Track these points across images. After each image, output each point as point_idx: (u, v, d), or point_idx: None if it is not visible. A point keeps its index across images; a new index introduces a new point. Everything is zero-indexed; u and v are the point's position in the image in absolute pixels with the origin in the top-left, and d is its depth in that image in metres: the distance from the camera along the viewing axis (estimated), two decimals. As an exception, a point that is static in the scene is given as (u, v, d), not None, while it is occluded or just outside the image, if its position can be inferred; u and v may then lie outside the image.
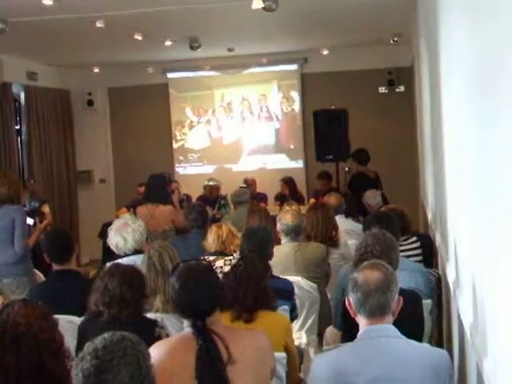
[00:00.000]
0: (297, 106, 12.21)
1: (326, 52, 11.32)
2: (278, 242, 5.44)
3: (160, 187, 7.34)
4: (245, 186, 9.90)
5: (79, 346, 3.40)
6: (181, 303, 3.01)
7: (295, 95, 12.22)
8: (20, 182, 6.99)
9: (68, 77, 12.19)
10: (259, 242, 4.70)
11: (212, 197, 9.65)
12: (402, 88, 11.71)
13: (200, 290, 2.99)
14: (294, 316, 4.49)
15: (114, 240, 5.20)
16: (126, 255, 5.14)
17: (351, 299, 3.00)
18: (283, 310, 4.21)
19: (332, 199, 7.14)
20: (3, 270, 5.87)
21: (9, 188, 6.12)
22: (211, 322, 2.96)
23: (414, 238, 5.39)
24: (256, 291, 3.74)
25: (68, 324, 4.11)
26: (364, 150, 9.56)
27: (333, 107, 10.27)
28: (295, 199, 9.54)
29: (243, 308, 3.69)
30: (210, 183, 9.94)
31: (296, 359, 3.88)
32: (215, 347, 2.89)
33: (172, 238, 6.58)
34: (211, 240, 5.34)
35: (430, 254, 5.76)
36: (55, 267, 4.86)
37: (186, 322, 3.01)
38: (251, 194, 9.51)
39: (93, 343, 2.26)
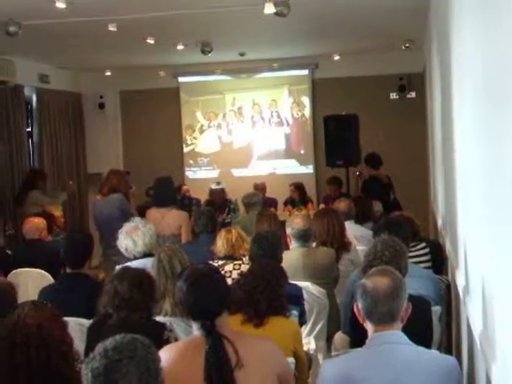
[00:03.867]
0: (307, 112, 12.21)
1: (337, 57, 11.31)
2: (287, 247, 5.44)
3: (167, 189, 7.37)
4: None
5: (88, 349, 3.41)
6: (189, 304, 3.01)
7: (306, 100, 12.23)
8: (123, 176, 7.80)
9: (80, 80, 12.24)
10: (269, 247, 4.71)
11: (218, 201, 9.61)
12: (413, 94, 11.69)
13: (207, 290, 3.00)
14: (302, 321, 4.49)
15: (124, 243, 5.22)
16: (136, 258, 5.16)
17: (360, 305, 2.99)
18: (292, 314, 4.21)
19: (342, 205, 7.12)
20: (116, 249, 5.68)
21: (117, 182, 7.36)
22: (220, 326, 2.96)
23: (423, 245, 5.38)
24: (271, 297, 3.75)
25: (77, 326, 4.13)
26: (376, 154, 9.57)
27: (343, 113, 10.27)
28: (303, 204, 9.54)
29: (255, 312, 3.70)
30: (213, 187, 9.90)
31: (305, 365, 3.88)
32: (224, 350, 2.90)
33: (177, 242, 6.58)
34: (220, 244, 5.34)
35: (439, 261, 5.74)
36: (67, 270, 4.91)
37: (194, 326, 3.01)
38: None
39: (103, 344, 2.27)
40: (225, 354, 2.89)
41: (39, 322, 2.78)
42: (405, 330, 2.98)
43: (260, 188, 10.26)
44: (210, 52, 9.51)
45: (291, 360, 3.60)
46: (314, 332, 5.04)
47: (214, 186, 9.85)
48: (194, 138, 12.56)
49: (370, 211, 7.51)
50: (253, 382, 2.93)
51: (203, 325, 2.95)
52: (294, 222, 5.51)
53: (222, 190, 9.77)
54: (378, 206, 7.99)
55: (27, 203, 9.00)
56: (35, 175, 9.55)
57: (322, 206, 9.29)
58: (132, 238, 5.18)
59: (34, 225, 6.73)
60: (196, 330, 3.00)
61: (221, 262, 5.19)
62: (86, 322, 4.10)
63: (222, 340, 2.91)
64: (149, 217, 6.99)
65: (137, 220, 5.48)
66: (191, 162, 12.61)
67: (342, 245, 5.84)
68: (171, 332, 3.61)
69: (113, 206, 7.18)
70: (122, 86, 12.45)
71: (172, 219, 6.93)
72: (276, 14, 6.79)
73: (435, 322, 4.10)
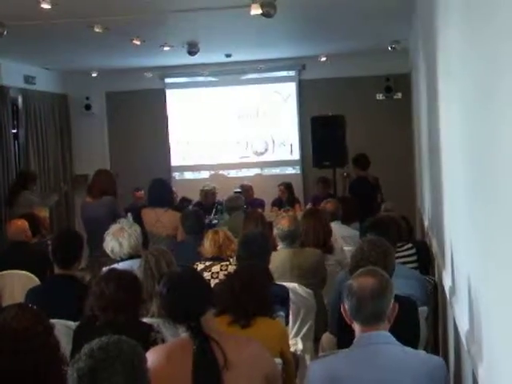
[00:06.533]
0: (294, 112, 12.21)
1: (323, 58, 11.33)
2: (275, 248, 5.44)
3: (162, 190, 7.38)
4: (239, 191, 9.88)
5: (74, 351, 3.39)
6: (171, 307, 3.03)
7: (293, 101, 12.23)
8: (112, 177, 7.79)
9: (66, 81, 12.20)
10: (257, 249, 4.71)
11: (208, 202, 9.63)
12: (399, 95, 11.73)
13: (187, 291, 3.03)
14: (286, 321, 4.49)
15: (110, 245, 5.21)
16: (122, 260, 5.15)
17: (346, 306, 3.00)
18: (279, 316, 4.21)
19: (329, 205, 7.14)
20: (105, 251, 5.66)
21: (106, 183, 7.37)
22: (205, 327, 2.96)
23: (410, 245, 5.40)
24: (258, 298, 3.75)
25: (64, 328, 4.11)
26: (364, 155, 9.58)
27: (330, 114, 10.28)
28: (291, 205, 9.54)
29: (242, 313, 3.70)
30: (205, 188, 9.93)
31: (292, 365, 3.88)
32: (211, 351, 2.90)
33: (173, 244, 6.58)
34: (208, 245, 5.33)
35: (426, 261, 5.76)
36: (56, 270, 4.89)
37: (181, 329, 3.01)
38: (248, 200, 9.49)
39: (89, 345, 2.27)
40: (212, 355, 2.89)
41: (25, 325, 2.76)
42: (392, 330, 2.99)
43: (246, 189, 10.26)
44: (196, 53, 9.51)
45: (278, 361, 3.60)
46: (302, 333, 5.04)
47: (205, 188, 9.86)
48: (181, 138, 12.53)
49: (355, 212, 7.51)
50: (241, 383, 2.93)
51: (189, 326, 2.95)
52: (281, 223, 5.51)
53: (213, 192, 9.78)
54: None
55: (18, 204, 8.96)
56: (26, 176, 9.52)
57: (309, 205, 9.30)
58: (118, 239, 5.18)
59: (18, 227, 6.69)
60: (182, 332, 2.99)
61: (208, 263, 5.18)
62: (73, 324, 4.08)
63: (209, 341, 2.91)
64: (144, 217, 7.00)
65: (122, 221, 5.48)
66: (178, 162, 12.57)
67: (324, 247, 5.82)
68: (158, 333, 3.60)
69: (104, 208, 7.12)
70: (108, 87, 12.42)
71: (168, 220, 6.94)
72: (262, 14, 6.79)
73: (422, 322, 4.10)
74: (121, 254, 5.18)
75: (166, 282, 3.09)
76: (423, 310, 4.28)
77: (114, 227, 5.31)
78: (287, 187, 10.50)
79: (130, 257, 5.14)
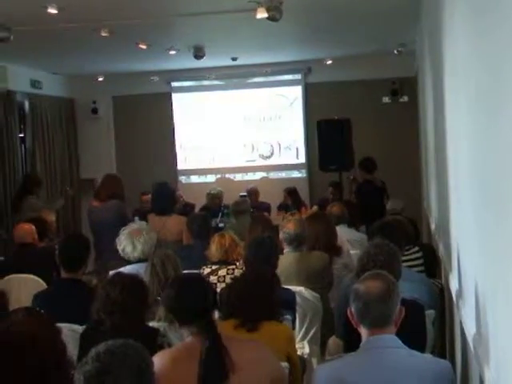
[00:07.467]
0: (300, 116, 12.21)
1: (329, 62, 11.33)
2: (282, 252, 5.44)
3: (166, 195, 7.39)
4: (245, 195, 9.89)
5: (81, 355, 3.39)
6: (180, 307, 3.04)
7: (299, 105, 12.23)
8: (120, 181, 7.71)
9: (72, 85, 12.22)
10: (265, 253, 4.71)
11: (215, 206, 9.64)
12: (405, 98, 11.72)
13: (194, 290, 3.07)
14: (293, 326, 4.49)
15: (123, 243, 5.17)
16: (130, 262, 5.13)
17: (353, 309, 2.99)
18: (286, 319, 4.20)
19: (335, 209, 7.13)
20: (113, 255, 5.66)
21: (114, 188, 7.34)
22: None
23: (417, 248, 5.38)
24: (265, 302, 3.75)
25: (70, 332, 4.11)
26: (371, 158, 9.55)
27: (336, 117, 10.28)
28: (297, 209, 9.53)
29: (249, 317, 3.69)
30: (212, 192, 9.94)
31: (299, 369, 3.88)
32: (219, 352, 2.90)
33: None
34: (214, 249, 5.34)
35: (433, 265, 5.74)
36: (62, 274, 4.88)
37: (186, 333, 3.02)
38: (254, 204, 9.49)
39: (96, 348, 2.27)
40: (220, 357, 2.89)
41: (32, 329, 2.76)
42: (398, 333, 2.98)
43: (252, 193, 10.26)
44: (202, 57, 9.52)
45: (285, 365, 3.59)
46: (308, 336, 5.04)
47: (211, 192, 9.87)
48: (187, 142, 12.54)
49: (358, 216, 7.50)
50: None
51: (199, 325, 2.96)
52: (286, 227, 5.51)
53: (220, 196, 9.79)
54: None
55: (23, 209, 8.97)
56: (31, 181, 9.54)
57: (315, 207, 9.29)
58: (133, 241, 5.13)
59: (26, 230, 6.71)
60: (187, 336, 3.00)
61: (214, 267, 5.18)
62: (80, 328, 4.09)
63: (220, 337, 2.92)
64: (150, 222, 7.00)
65: (142, 224, 5.44)
66: (184, 166, 12.58)
67: (332, 249, 5.82)
68: (164, 337, 3.61)
69: (111, 212, 7.11)
70: (114, 91, 12.44)
71: (174, 225, 6.94)
72: (268, 18, 6.79)
73: (429, 325, 4.09)
74: (131, 256, 5.15)
75: (171, 285, 3.10)
76: (430, 314, 4.27)
77: (132, 226, 5.28)
78: (290, 193, 10.45)
79: (139, 260, 5.13)
